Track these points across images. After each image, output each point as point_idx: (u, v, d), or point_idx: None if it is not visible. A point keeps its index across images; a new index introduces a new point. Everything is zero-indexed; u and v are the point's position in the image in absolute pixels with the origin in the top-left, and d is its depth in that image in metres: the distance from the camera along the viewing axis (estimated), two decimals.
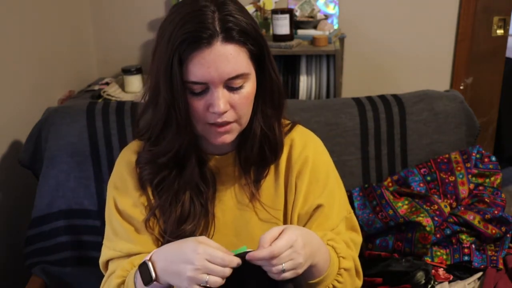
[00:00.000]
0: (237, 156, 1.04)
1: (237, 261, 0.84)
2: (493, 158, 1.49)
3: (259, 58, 0.95)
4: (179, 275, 0.83)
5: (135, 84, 2.10)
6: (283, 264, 0.83)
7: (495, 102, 2.53)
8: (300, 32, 2.15)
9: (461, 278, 1.31)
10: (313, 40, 2.07)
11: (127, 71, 2.10)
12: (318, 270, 0.94)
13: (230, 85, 0.91)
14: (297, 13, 2.25)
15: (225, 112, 0.91)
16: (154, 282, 0.88)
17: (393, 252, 1.37)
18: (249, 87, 0.94)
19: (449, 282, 1.30)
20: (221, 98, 0.90)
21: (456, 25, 2.38)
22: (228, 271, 0.83)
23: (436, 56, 2.42)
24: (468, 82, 2.46)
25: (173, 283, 0.87)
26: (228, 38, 0.89)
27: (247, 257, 0.84)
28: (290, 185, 1.06)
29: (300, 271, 0.87)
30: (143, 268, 0.89)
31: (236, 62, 0.90)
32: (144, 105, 1.01)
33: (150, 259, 0.89)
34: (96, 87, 2.13)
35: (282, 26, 2.03)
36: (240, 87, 0.92)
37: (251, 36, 0.92)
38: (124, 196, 1.03)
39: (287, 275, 0.85)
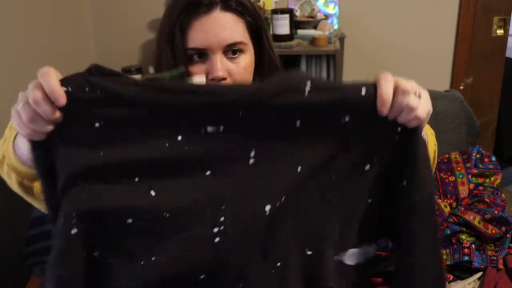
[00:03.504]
0: None
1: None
2: (493, 158, 1.49)
3: (256, 33, 0.98)
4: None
5: None
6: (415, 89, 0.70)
7: (495, 102, 2.53)
8: (300, 32, 2.15)
9: (461, 278, 1.31)
10: (313, 40, 2.07)
11: (127, 71, 2.09)
12: None
13: (228, 53, 0.94)
14: (297, 13, 2.25)
15: (224, 79, 0.93)
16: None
17: (393, 252, 1.36)
18: (247, 58, 0.96)
19: (449, 282, 1.30)
20: (219, 64, 0.92)
21: (456, 25, 2.38)
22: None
23: (436, 56, 2.42)
24: (468, 82, 2.46)
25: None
26: (227, 6, 0.93)
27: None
28: None
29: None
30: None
31: (234, 30, 0.93)
32: None
33: None
34: None
35: (282, 26, 2.03)
36: (238, 55, 0.95)
37: (249, 9, 0.96)
38: None
39: (422, 109, 0.71)
